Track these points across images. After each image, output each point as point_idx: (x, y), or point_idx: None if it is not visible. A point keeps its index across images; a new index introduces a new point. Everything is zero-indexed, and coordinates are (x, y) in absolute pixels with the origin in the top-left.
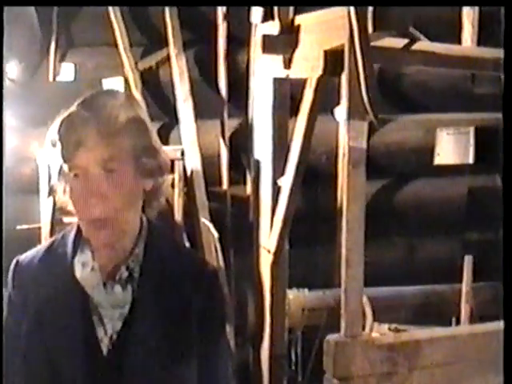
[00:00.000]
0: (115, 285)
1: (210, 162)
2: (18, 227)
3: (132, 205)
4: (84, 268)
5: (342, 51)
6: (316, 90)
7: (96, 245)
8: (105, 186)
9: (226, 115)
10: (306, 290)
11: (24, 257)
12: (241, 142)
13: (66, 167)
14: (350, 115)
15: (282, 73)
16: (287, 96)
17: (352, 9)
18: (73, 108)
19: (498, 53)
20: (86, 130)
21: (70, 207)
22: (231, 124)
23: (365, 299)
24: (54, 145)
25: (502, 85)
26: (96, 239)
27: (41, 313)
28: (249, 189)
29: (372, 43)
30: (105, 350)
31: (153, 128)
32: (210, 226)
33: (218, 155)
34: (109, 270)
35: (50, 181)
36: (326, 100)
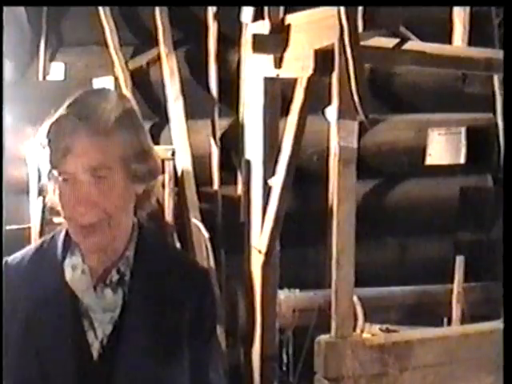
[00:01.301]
0: (106, 288)
1: (200, 162)
2: (8, 227)
3: (123, 210)
4: (74, 271)
5: (333, 50)
6: (306, 90)
7: (85, 250)
8: (94, 193)
9: (216, 115)
10: (297, 290)
11: (12, 258)
12: (232, 142)
13: (55, 172)
14: (341, 115)
15: (273, 72)
16: (278, 95)
17: (342, 8)
18: (62, 111)
19: (489, 53)
20: (74, 136)
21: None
22: (222, 124)
23: (356, 300)
24: (43, 147)
25: (494, 85)
26: (85, 245)
27: (30, 316)
28: (240, 189)
29: (362, 42)
30: (95, 355)
31: (144, 125)
32: (201, 226)
33: (209, 155)
34: (99, 274)
35: (39, 181)
36: (316, 100)
